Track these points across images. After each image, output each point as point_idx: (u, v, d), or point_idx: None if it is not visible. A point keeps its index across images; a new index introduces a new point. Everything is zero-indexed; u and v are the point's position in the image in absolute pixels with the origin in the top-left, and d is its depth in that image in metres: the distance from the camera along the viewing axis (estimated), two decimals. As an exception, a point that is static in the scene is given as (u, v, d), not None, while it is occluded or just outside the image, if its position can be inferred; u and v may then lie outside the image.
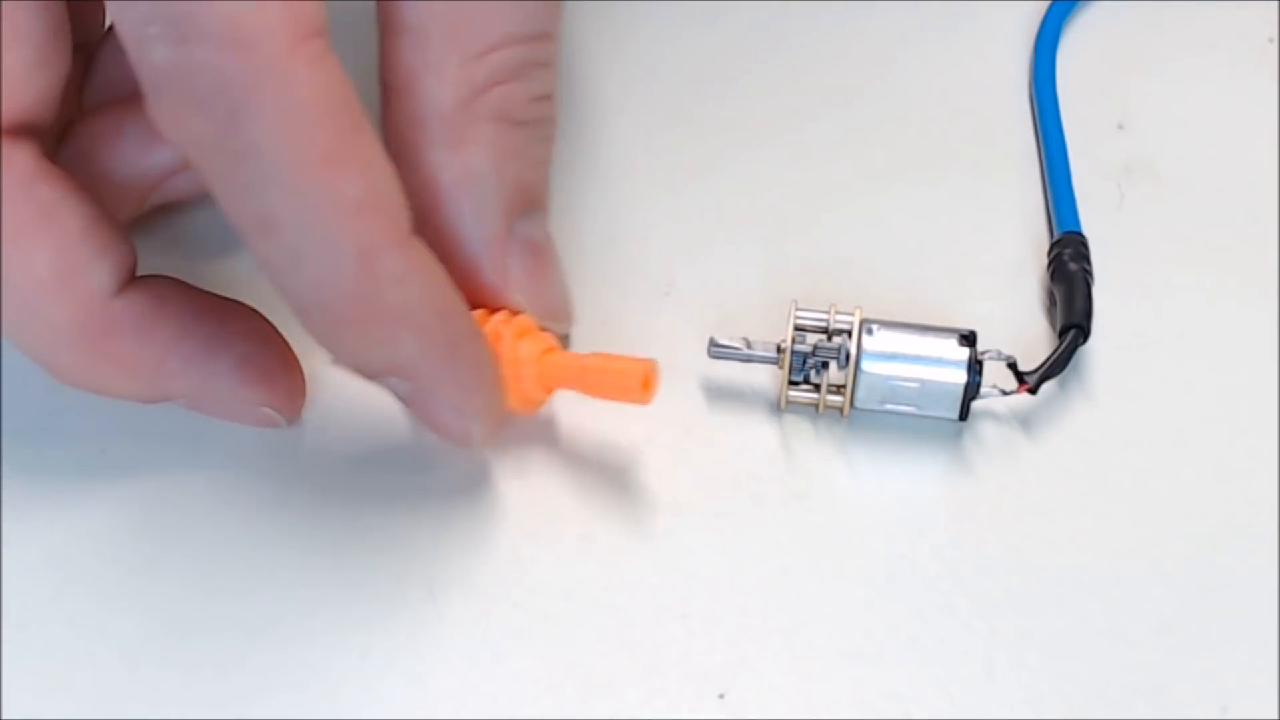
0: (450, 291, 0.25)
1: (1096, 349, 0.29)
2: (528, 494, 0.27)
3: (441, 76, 0.26)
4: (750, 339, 0.28)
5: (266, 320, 0.27)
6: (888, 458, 0.28)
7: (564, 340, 0.29)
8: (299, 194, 0.22)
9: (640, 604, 0.26)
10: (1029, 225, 0.32)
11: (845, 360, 0.28)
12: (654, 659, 0.25)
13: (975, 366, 0.27)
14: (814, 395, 0.28)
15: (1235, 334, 0.30)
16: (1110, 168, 0.33)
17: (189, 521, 0.27)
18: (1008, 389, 0.28)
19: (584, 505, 0.27)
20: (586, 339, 0.29)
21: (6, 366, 0.29)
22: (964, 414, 0.28)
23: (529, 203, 0.28)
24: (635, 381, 0.26)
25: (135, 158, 0.28)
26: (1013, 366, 0.28)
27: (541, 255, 0.28)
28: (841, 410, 0.28)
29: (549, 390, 0.28)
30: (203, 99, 0.22)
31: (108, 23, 0.30)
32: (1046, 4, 0.36)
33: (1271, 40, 0.36)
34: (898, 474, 0.28)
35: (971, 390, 0.27)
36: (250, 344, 0.27)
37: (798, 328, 0.28)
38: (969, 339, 0.27)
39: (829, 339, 0.28)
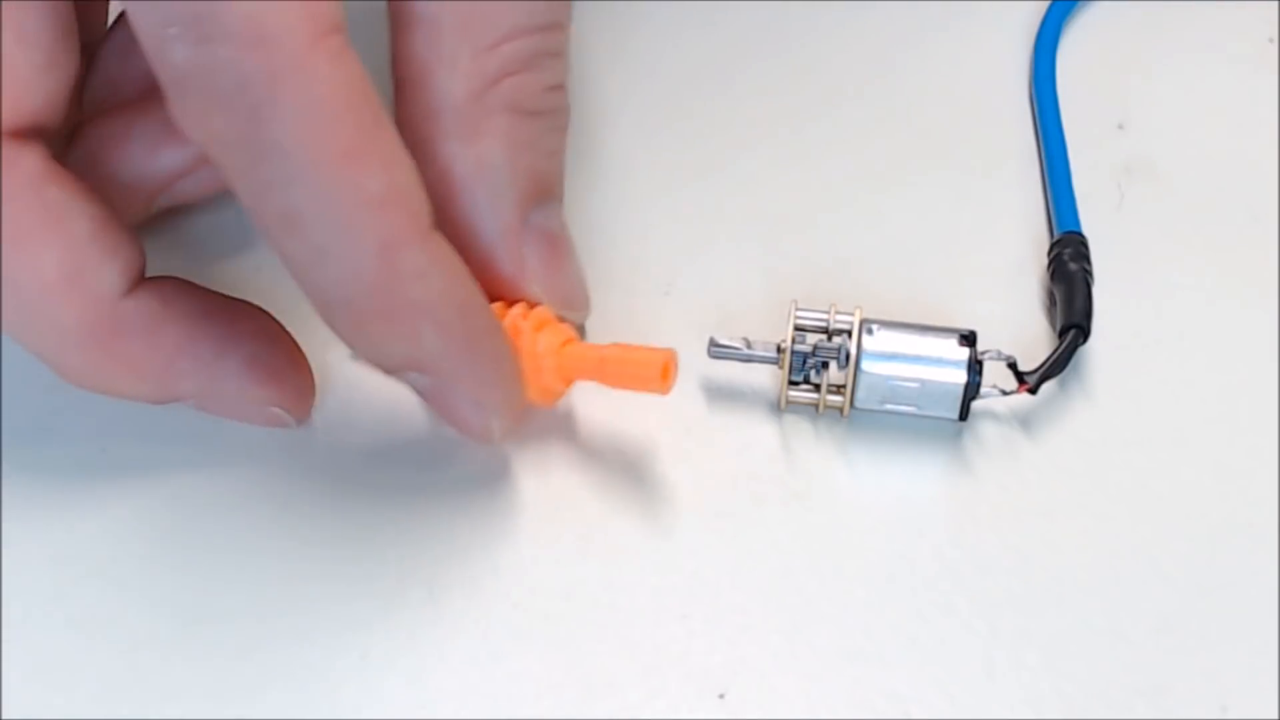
0: (471, 286, 0.25)
1: (1096, 349, 0.29)
2: (528, 494, 0.27)
3: (454, 69, 0.26)
4: (750, 339, 0.28)
5: (275, 320, 0.28)
6: (888, 458, 0.28)
7: (580, 330, 0.29)
8: (321, 190, 0.22)
9: (640, 604, 0.26)
10: (1029, 225, 0.32)
11: (845, 360, 0.28)
12: (654, 659, 0.25)
13: (975, 366, 0.27)
14: (814, 395, 0.28)
15: (1235, 334, 0.30)
16: (1110, 168, 0.33)
17: (188, 522, 0.27)
18: (1008, 389, 0.28)
19: (584, 505, 0.27)
20: (586, 339, 0.29)
21: (7, 366, 0.29)
22: (964, 414, 0.28)
23: (543, 193, 0.28)
24: (655, 371, 0.26)
25: (144, 160, 0.28)
26: (1013, 366, 0.28)
27: (557, 245, 0.28)
28: (841, 410, 0.28)
29: (568, 382, 0.28)
30: (224, 97, 0.22)
31: (109, 24, 0.30)
32: (1046, 4, 0.36)
33: (1271, 40, 0.36)
34: (898, 474, 0.28)
35: (971, 390, 0.27)
36: (259, 344, 0.27)
37: (798, 328, 0.28)
38: (969, 339, 0.27)
39: (829, 339, 0.28)
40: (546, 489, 0.28)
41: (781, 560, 0.27)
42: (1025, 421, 0.29)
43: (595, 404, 0.29)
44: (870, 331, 0.27)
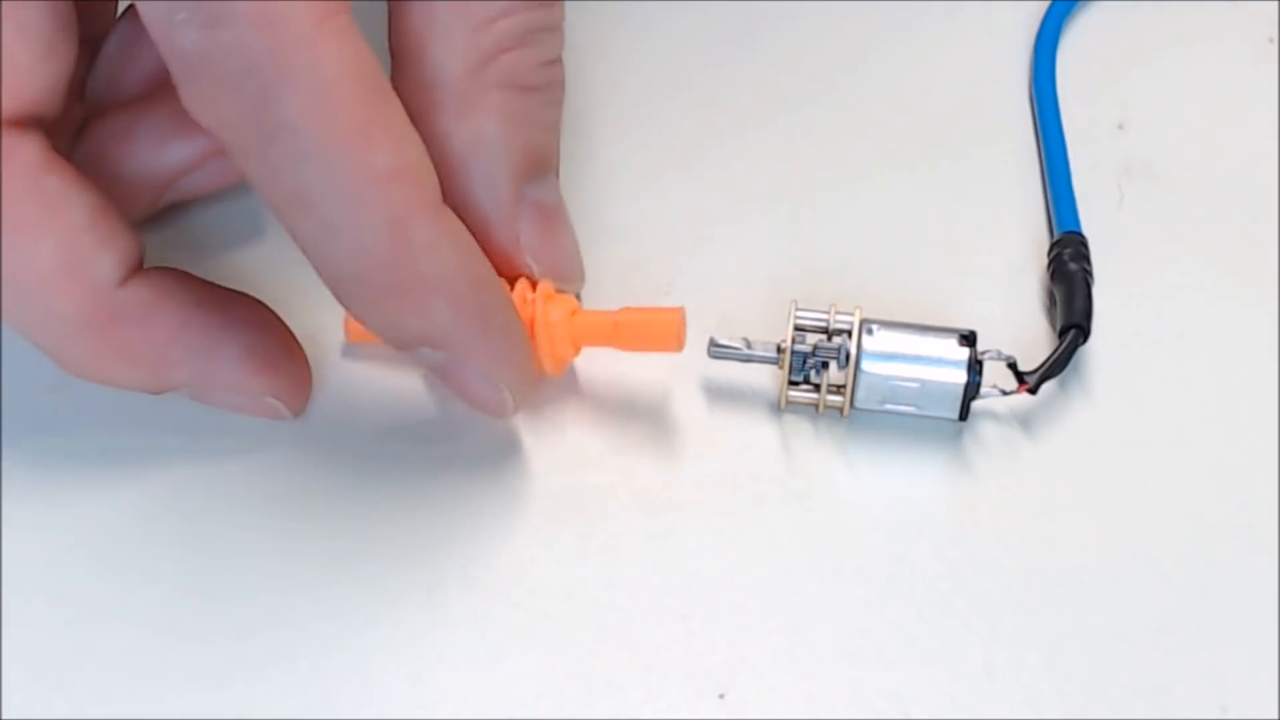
0: (482, 259, 0.25)
1: (1096, 349, 0.29)
2: (528, 494, 0.27)
3: (450, 45, 0.26)
4: (750, 339, 0.28)
5: (272, 311, 0.28)
6: (888, 458, 0.28)
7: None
8: (331, 167, 0.23)
9: (640, 604, 0.26)
10: (1029, 225, 0.32)
11: (845, 360, 0.28)
12: (654, 659, 0.25)
13: (975, 366, 0.27)
14: (814, 395, 0.28)
15: (1235, 334, 0.30)
16: (1110, 168, 0.33)
17: (187, 521, 0.27)
18: (1008, 389, 0.28)
19: (584, 504, 0.27)
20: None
21: (6, 363, 0.29)
22: (964, 414, 0.28)
23: (539, 166, 0.28)
24: (671, 330, 0.27)
25: (149, 156, 0.28)
26: (1013, 366, 0.28)
27: (553, 218, 0.28)
28: (841, 410, 0.28)
29: (578, 349, 0.28)
30: (233, 80, 0.22)
31: (115, 18, 0.30)
32: (1046, 4, 0.36)
33: (1271, 40, 0.36)
34: (898, 474, 0.28)
35: (971, 390, 0.27)
36: (254, 334, 0.27)
37: (798, 328, 0.28)
38: (969, 339, 0.27)
39: (829, 339, 0.28)
40: (546, 488, 0.28)
41: (781, 560, 0.27)
42: (1025, 421, 0.28)
43: (595, 404, 0.29)
44: (870, 331, 0.27)
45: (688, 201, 0.32)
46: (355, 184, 0.23)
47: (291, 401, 0.28)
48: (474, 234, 0.25)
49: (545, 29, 0.27)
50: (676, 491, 0.28)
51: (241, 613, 0.26)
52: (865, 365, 0.27)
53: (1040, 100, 0.34)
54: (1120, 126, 0.34)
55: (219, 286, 0.27)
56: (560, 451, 0.28)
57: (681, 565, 0.27)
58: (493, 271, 0.25)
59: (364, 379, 0.29)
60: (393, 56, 0.27)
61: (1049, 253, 0.31)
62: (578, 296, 0.30)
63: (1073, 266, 0.30)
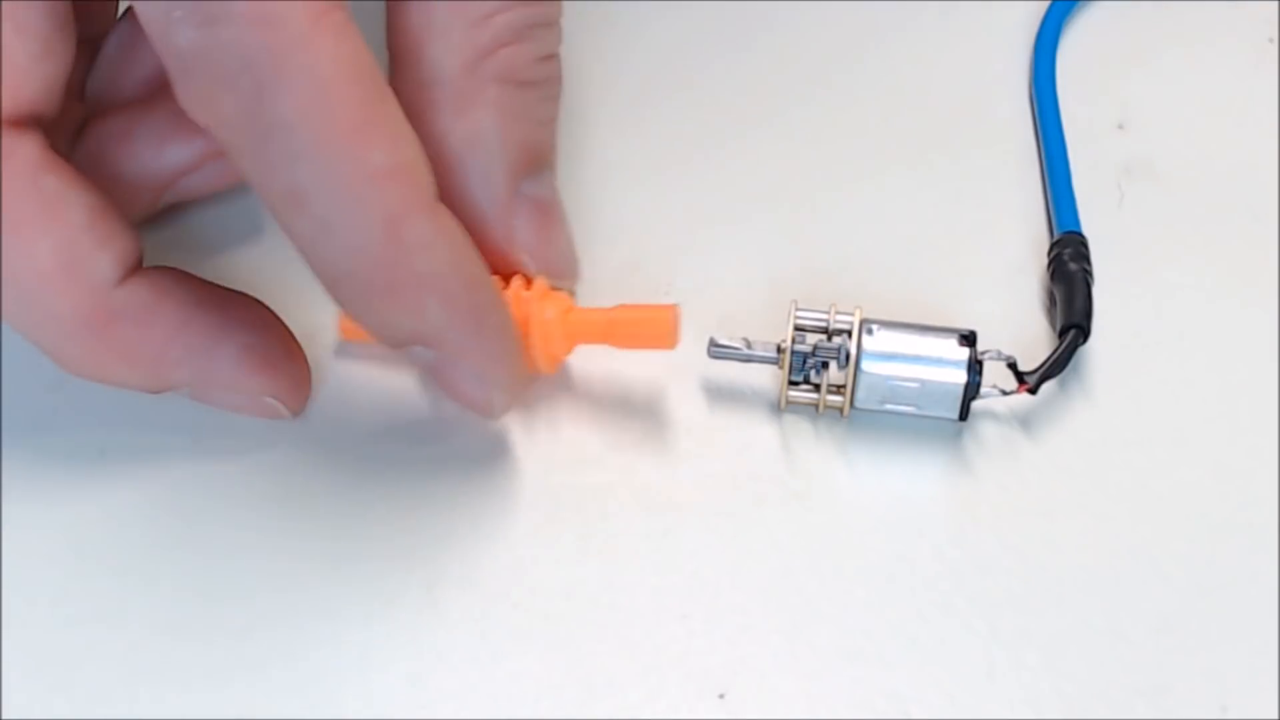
0: (476, 259, 0.25)
1: (1096, 349, 0.29)
2: (528, 493, 0.27)
3: (447, 41, 0.26)
4: (750, 339, 0.28)
5: (271, 311, 0.28)
6: (888, 458, 0.28)
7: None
8: (327, 164, 0.23)
9: (640, 604, 0.26)
10: (1029, 225, 0.32)
11: (845, 360, 0.28)
12: (654, 659, 0.25)
13: (975, 366, 0.27)
14: (814, 395, 0.28)
15: (1235, 334, 0.30)
16: (1110, 168, 0.33)
17: (186, 521, 0.27)
18: (1008, 389, 0.28)
19: (584, 504, 0.27)
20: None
21: (6, 363, 0.29)
22: (964, 414, 0.28)
23: (535, 162, 0.28)
24: (666, 328, 0.27)
25: (149, 157, 0.28)
26: (1013, 366, 0.28)
27: (548, 214, 0.28)
28: (841, 410, 0.28)
29: (572, 346, 0.28)
30: (230, 77, 0.22)
31: (116, 18, 0.30)
32: (1046, 4, 0.36)
33: (1271, 40, 0.36)
34: (898, 474, 0.28)
35: (971, 390, 0.27)
36: (253, 333, 0.27)
37: (798, 328, 0.28)
38: (969, 339, 0.27)
39: (829, 339, 0.28)
40: (547, 488, 0.28)
41: (781, 560, 0.27)
42: (1025, 421, 0.28)
43: (596, 404, 0.29)
44: (870, 331, 0.27)
45: (688, 201, 0.32)
46: (351, 182, 0.23)
47: (290, 401, 0.28)
48: (470, 230, 0.25)
49: (542, 24, 0.27)
50: (676, 491, 0.28)
51: (241, 612, 0.26)
52: (865, 365, 0.27)
53: (1040, 100, 0.34)
54: (1120, 126, 0.34)
55: (218, 286, 0.27)
56: (560, 451, 0.28)
57: (681, 565, 0.27)
58: (487, 271, 0.25)
59: (363, 378, 0.29)
60: (390, 54, 0.27)
61: (1049, 253, 0.31)
62: (573, 293, 0.30)
63: (1073, 266, 0.30)
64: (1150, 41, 0.36)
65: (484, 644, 0.26)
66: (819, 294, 0.29)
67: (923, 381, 0.27)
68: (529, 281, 0.28)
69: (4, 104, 0.24)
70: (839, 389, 0.28)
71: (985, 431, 0.28)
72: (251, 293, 0.28)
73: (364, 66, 0.23)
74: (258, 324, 0.27)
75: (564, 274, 0.29)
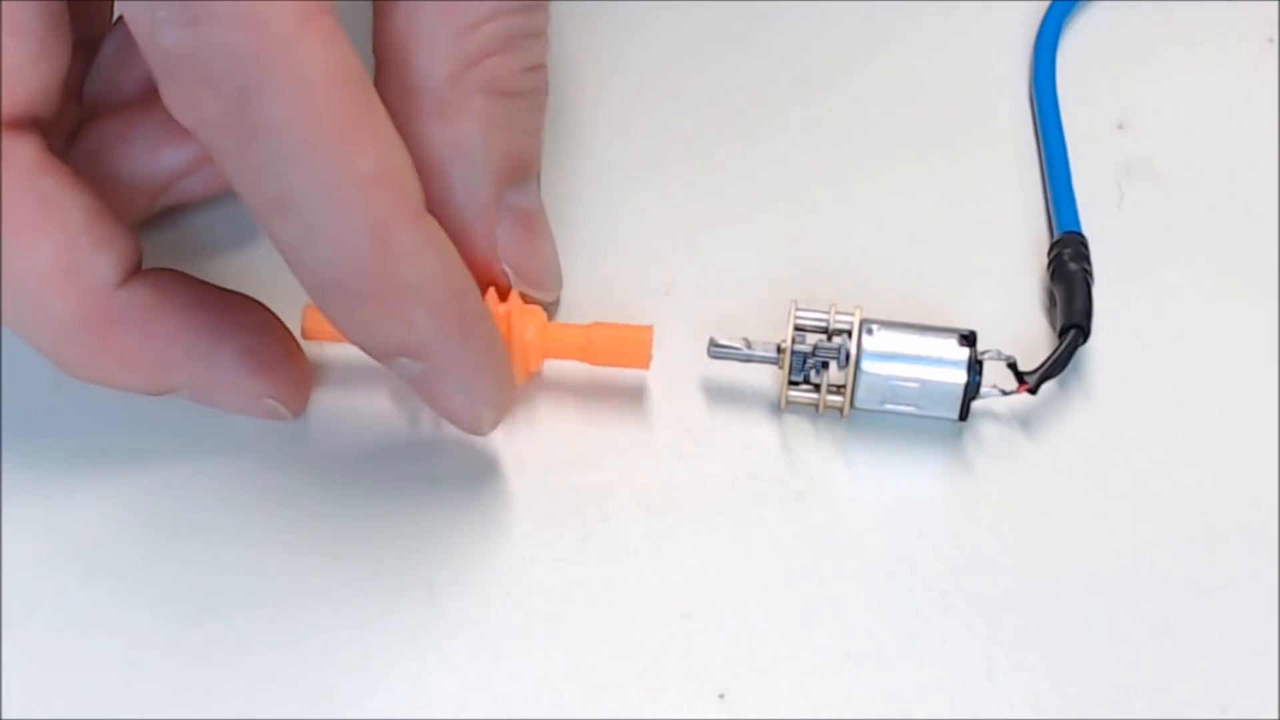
0: (462, 270, 0.25)
1: (1096, 349, 0.29)
2: (528, 494, 0.27)
3: (433, 50, 0.26)
4: (750, 339, 0.28)
5: (271, 312, 0.28)
6: (888, 458, 0.28)
7: (551, 309, 0.30)
8: (313, 169, 0.22)
9: (640, 604, 0.26)
10: (1029, 225, 0.32)
11: (845, 360, 0.28)
12: (654, 659, 0.25)
13: (975, 366, 0.27)
14: (814, 395, 0.28)
15: (1235, 334, 0.30)
16: (1110, 168, 0.33)
17: (188, 521, 0.27)
18: (1008, 389, 0.28)
19: (584, 505, 0.27)
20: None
21: (6, 363, 0.29)
22: (964, 414, 0.28)
23: (519, 172, 0.28)
24: (640, 349, 0.28)
25: (145, 160, 0.28)
26: (1013, 366, 0.28)
27: (531, 224, 0.28)
28: (841, 410, 0.28)
29: (541, 361, 0.28)
30: (215, 79, 0.22)
31: (112, 20, 0.30)
32: (1046, 4, 0.36)
33: (1271, 40, 0.36)
34: (898, 474, 0.28)
35: (971, 390, 0.27)
36: (254, 335, 0.27)
37: (798, 328, 0.28)
38: (969, 339, 0.27)
39: (829, 339, 0.28)
40: (546, 488, 0.28)
41: (781, 560, 0.27)
42: (1025, 421, 0.28)
43: (595, 403, 0.29)
44: (870, 331, 0.27)
45: (687, 201, 0.32)
46: (337, 188, 0.22)
47: (292, 402, 0.28)
48: (453, 241, 0.25)
49: (529, 34, 0.27)
50: (676, 491, 0.28)
51: (241, 613, 0.26)
52: (865, 365, 0.27)
53: (1040, 100, 0.34)
54: (1120, 126, 0.34)
55: (218, 288, 0.27)
56: (560, 451, 0.28)
57: (681, 565, 0.27)
58: (473, 282, 0.25)
59: (363, 379, 0.29)
60: (376, 60, 0.27)
61: (1049, 253, 0.30)
62: (557, 303, 0.30)
63: (1073, 266, 0.30)
64: (1150, 41, 0.36)
65: (484, 644, 0.26)
66: (819, 294, 0.29)
67: (923, 381, 0.27)
68: (504, 294, 0.28)
69: (2, 106, 0.24)
70: (839, 389, 0.28)
71: (985, 431, 0.28)
72: (251, 294, 0.28)
73: (351, 70, 0.22)
74: (258, 325, 0.27)
75: (545, 286, 0.29)
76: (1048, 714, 0.25)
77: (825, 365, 0.28)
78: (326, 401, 0.29)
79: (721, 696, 0.25)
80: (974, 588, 0.26)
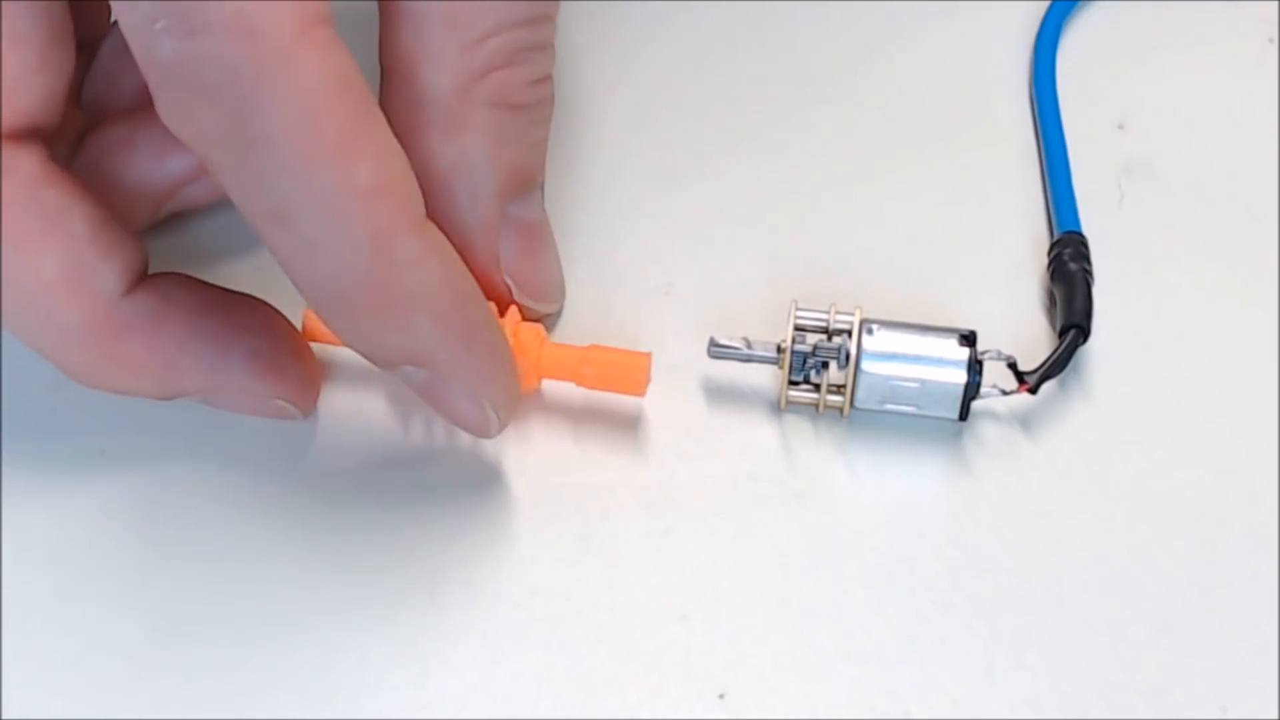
0: (466, 276, 0.25)
1: (1096, 349, 0.29)
2: (528, 494, 0.27)
3: (439, 63, 0.26)
4: (750, 339, 0.28)
5: (279, 313, 0.28)
6: (888, 458, 0.28)
7: (550, 322, 0.30)
8: (311, 181, 0.22)
9: (640, 604, 0.26)
10: (1029, 225, 0.32)
11: (845, 360, 0.28)
12: (654, 659, 0.25)
13: (975, 366, 0.27)
14: (814, 395, 0.28)
15: (1235, 334, 0.30)
16: (1110, 168, 0.33)
17: (188, 522, 0.27)
18: (1008, 389, 0.28)
19: (584, 505, 0.27)
20: (586, 339, 0.29)
21: (6, 363, 0.29)
22: (964, 414, 0.28)
23: (524, 184, 0.28)
24: (640, 375, 0.27)
25: (150, 166, 0.28)
26: (1013, 366, 0.28)
27: (534, 236, 0.28)
28: (841, 410, 0.28)
29: (538, 381, 0.28)
30: (211, 91, 0.22)
31: (111, 19, 0.30)
32: (1046, 4, 0.36)
33: (1271, 40, 0.36)
34: (898, 474, 0.28)
35: (971, 390, 0.27)
36: (261, 337, 0.27)
37: (798, 328, 0.28)
38: (969, 339, 0.27)
39: (829, 339, 0.28)
40: (546, 489, 0.28)
41: (781, 560, 0.27)
42: (1025, 421, 0.28)
43: (595, 403, 0.29)
44: (870, 331, 0.27)
45: (688, 201, 0.32)
46: (335, 199, 0.22)
47: (301, 402, 0.28)
48: (457, 253, 0.25)
49: (535, 47, 0.27)
50: (676, 491, 0.28)
51: (242, 613, 0.26)
52: (865, 365, 0.27)
53: (1040, 100, 0.34)
54: (1120, 126, 0.34)
55: (224, 290, 0.27)
56: (561, 451, 0.28)
57: (681, 565, 0.27)
58: (477, 288, 0.25)
59: (365, 379, 0.29)
60: (382, 72, 0.27)
61: (1049, 253, 0.30)
62: (558, 315, 0.30)
63: (1073, 266, 0.30)
64: (1150, 41, 0.36)
65: (484, 644, 0.26)
66: (819, 294, 0.29)
67: (923, 381, 0.27)
68: (503, 309, 0.28)
69: (3, 118, 0.24)
70: (839, 389, 0.28)
71: (985, 431, 0.28)
72: (263, 298, 0.28)
73: (350, 81, 0.22)
74: (265, 327, 0.27)
75: (547, 298, 0.29)
76: (1048, 714, 0.25)
77: (825, 365, 0.28)
78: (326, 404, 0.29)
79: (721, 696, 0.25)
80: (974, 588, 0.26)
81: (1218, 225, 0.32)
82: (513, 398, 0.26)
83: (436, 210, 0.27)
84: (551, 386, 0.29)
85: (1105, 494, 0.28)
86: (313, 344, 0.28)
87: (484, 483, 0.28)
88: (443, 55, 0.26)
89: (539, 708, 0.25)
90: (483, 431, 0.26)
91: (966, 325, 0.28)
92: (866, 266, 0.31)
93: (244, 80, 0.21)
